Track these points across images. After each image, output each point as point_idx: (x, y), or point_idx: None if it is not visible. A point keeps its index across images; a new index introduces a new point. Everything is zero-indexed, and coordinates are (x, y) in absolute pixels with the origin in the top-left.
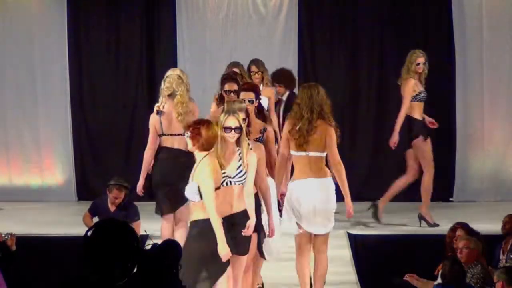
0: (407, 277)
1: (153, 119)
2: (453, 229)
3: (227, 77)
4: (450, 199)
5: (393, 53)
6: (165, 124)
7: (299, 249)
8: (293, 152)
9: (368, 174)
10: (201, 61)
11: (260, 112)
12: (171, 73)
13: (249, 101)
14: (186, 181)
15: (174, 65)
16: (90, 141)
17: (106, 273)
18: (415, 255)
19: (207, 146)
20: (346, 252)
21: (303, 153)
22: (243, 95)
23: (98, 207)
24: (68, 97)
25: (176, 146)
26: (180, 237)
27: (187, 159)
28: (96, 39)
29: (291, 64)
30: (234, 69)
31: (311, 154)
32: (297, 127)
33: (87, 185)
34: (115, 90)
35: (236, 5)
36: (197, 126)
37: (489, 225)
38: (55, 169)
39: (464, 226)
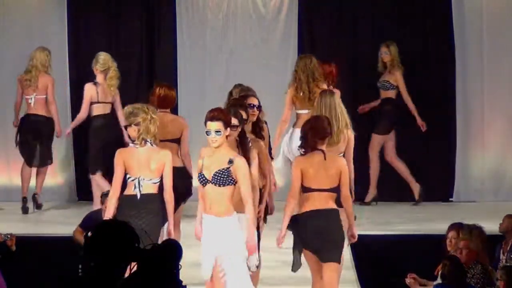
0: (407, 280)
1: (91, 89)
2: (451, 230)
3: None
4: (450, 199)
5: None
6: (100, 93)
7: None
8: (298, 111)
9: (367, 174)
10: (201, 61)
11: (243, 143)
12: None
13: (216, 132)
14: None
15: (174, 65)
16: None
17: (106, 273)
18: (415, 255)
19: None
20: (346, 252)
21: (305, 111)
22: (208, 125)
23: (92, 221)
24: (68, 97)
25: (107, 112)
26: None
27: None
28: (96, 39)
29: (291, 64)
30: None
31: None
32: (301, 92)
33: (87, 185)
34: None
35: (236, 5)
36: None
37: (489, 225)
38: (55, 169)
39: (462, 227)
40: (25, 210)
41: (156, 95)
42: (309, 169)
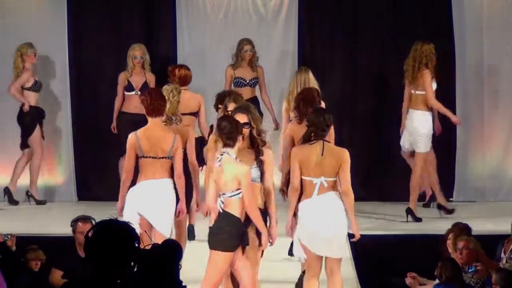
0: (407, 280)
1: None
2: (450, 231)
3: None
4: (450, 199)
5: (393, 53)
6: None
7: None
8: (411, 91)
9: (368, 173)
10: (201, 61)
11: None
12: None
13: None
14: None
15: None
16: (90, 141)
17: (107, 273)
18: (415, 255)
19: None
20: (346, 252)
21: (412, 91)
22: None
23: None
24: (68, 97)
25: None
26: None
27: None
28: (96, 39)
29: (291, 64)
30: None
31: None
32: (407, 75)
33: (87, 185)
34: (115, 90)
35: (236, 5)
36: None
37: (489, 225)
38: (55, 169)
39: (461, 226)
40: None
41: (177, 75)
42: (301, 136)
